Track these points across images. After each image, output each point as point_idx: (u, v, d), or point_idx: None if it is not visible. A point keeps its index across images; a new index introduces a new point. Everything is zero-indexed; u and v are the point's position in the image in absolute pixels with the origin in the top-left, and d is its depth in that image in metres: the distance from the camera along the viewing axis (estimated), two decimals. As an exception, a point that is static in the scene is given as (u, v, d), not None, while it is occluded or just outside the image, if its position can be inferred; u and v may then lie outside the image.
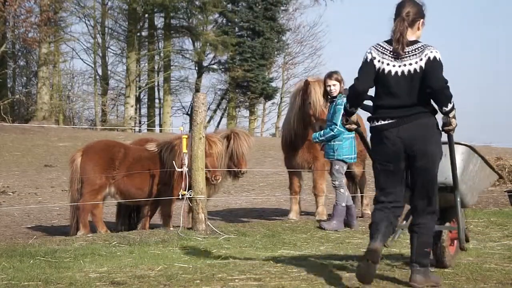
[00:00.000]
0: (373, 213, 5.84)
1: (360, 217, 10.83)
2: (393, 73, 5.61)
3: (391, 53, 5.64)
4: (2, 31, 31.51)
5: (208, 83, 47.16)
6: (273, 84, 40.80)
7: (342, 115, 6.02)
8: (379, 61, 5.66)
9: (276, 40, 39.81)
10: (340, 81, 9.66)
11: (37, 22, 31.78)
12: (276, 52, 40.47)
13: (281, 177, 16.14)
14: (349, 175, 11.08)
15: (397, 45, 5.60)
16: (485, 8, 64.51)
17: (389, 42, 5.70)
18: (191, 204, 9.08)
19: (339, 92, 9.63)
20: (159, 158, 9.42)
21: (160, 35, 40.15)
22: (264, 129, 42.70)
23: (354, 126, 5.97)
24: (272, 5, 38.89)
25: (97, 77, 39.29)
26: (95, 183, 9.19)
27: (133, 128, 36.79)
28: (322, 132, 9.66)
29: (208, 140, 9.27)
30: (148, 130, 38.38)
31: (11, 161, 21.36)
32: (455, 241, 6.66)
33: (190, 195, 9.00)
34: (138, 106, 40.44)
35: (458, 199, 6.20)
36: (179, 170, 9.09)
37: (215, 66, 41.42)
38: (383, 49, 5.68)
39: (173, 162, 9.14)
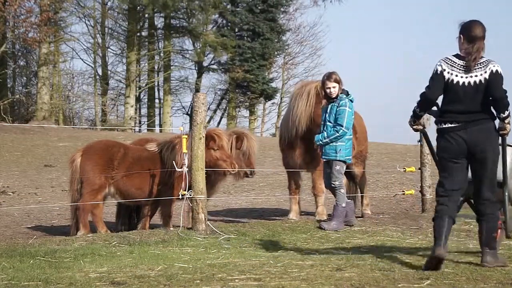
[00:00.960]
0: (437, 207, 6.62)
1: (360, 217, 10.83)
2: (461, 83, 6.49)
3: (460, 66, 6.52)
4: (2, 31, 31.49)
5: (208, 83, 47.31)
6: (273, 84, 40.82)
7: (411, 117, 6.82)
8: (448, 72, 6.53)
9: (276, 40, 39.79)
10: (339, 82, 9.60)
11: (37, 22, 31.76)
12: (276, 53, 40.45)
13: (281, 177, 16.14)
14: (349, 175, 11.08)
15: (472, 61, 6.49)
16: (486, 7, 64.53)
17: (456, 56, 6.59)
18: (191, 204, 9.08)
19: (340, 93, 9.59)
20: (159, 158, 9.41)
21: (160, 35, 40.15)
22: (264, 129, 42.75)
23: (420, 127, 6.92)
24: (272, 6, 38.87)
25: (97, 77, 39.30)
26: (95, 183, 9.19)
27: (133, 128, 36.79)
28: (325, 134, 9.60)
29: (214, 134, 9.32)
30: (148, 130, 38.38)
31: (11, 161, 21.36)
32: (499, 230, 7.37)
33: (190, 195, 9.00)
34: (138, 106, 40.44)
35: (506, 194, 7.03)
36: (179, 170, 9.08)
37: (215, 66, 41.46)
38: (452, 62, 6.56)
39: (173, 162, 9.14)
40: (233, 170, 9.40)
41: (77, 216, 9.23)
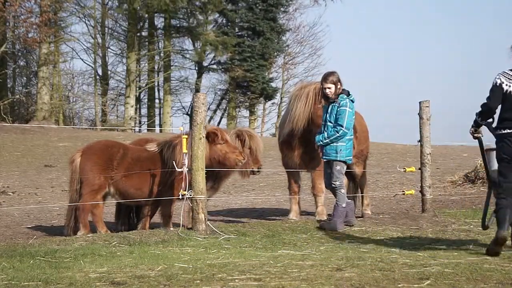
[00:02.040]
0: (498, 201, 7.48)
1: (360, 217, 10.83)
2: None
3: None
4: (2, 31, 31.50)
5: (208, 83, 47.34)
6: (273, 84, 40.82)
7: (472, 126, 7.73)
8: (506, 84, 7.44)
9: (276, 40, 39.80)
10: (335, 83, 9.58)
11: (37, 22, 31.78)
12: (276, 53, 40.45)
13: (281, 177, 16.15)
14: (350, 175, 11.08)
15: None
16: (490, 7, 64.57)
17: None
18: (191, 204, 9.08)
19: (339, 93, 9.58)
20: (159, 158, 9.41)
21: (160, 35, 40.16)
22: (264, 129, 42.74)
23: (480, 135, 7.84)
24: (272, 6, 38.89)
25: (97, 77, 39.30)
26: (94, 183, 9.19)
27: (133, 128, 36.80)
28: (325, 134, 9.59)
29: (214, 130, 9.39)
30: (148, 130, 38.38)
31: (11, 161, 21.37)
32: None
33: (190, 195, 9.00)
34: (138, 106, 40.45)
35: None
36: (179, 170, 9.09)
37: (215, 66, 41.46)
38: (509, 75, 7.44)
39: (173, 162, 9.14)
40: (243, 159, 9.44)
41: (77, 216, 9.23)
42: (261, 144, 10.18)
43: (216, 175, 9.62)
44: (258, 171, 10.32)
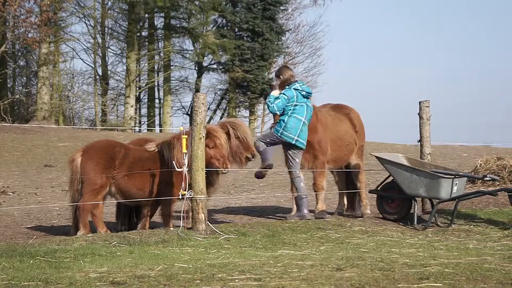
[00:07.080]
0: None
1: (360, 217, 10.83)
2: None
3: None
4: (2, 31, 31.49)
5: (208, 83, 47.22)
6: (273, 84, 40.75)
7: None
8: None
9: (275, 40, 39.78)
10: (277, 76, 11.04)
11: (37, 22, 31.77)
12: (275, 53, 40.43)
13: (281, 177, 16.15)
14: (349, 172, 11.14)
15: None
16: (490, 7, 64.63)
17: None
18: (191, 204, 9.09)
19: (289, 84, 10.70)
20: (160, 157, 9.41)
21: (160, 35, 40.14)
22: (264, 129, 42.68)
23: None
24: (271, 5, 38.87)
25: (97, 77, 39.28)
26: (96, 183, 9.18)
27: (133, 128, 36.78)
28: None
29: (213, 132, 9.37)
30: (148, 130, 38.36)
31: (11, 161, 21.36)
32: None
33: (190, 195, 9.00)
34: (138, 106, 40.42)
35: None
36: (179, 170, 9.08)
37: (214, 66, 41.45)
38: None
39: (173, 162, 9.14)
40: (225, 170, 9.41)
41: (77, 216, 9.22)
42: (248, 131, 10.18)
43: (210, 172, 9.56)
44: (252, 156, 10.19)
